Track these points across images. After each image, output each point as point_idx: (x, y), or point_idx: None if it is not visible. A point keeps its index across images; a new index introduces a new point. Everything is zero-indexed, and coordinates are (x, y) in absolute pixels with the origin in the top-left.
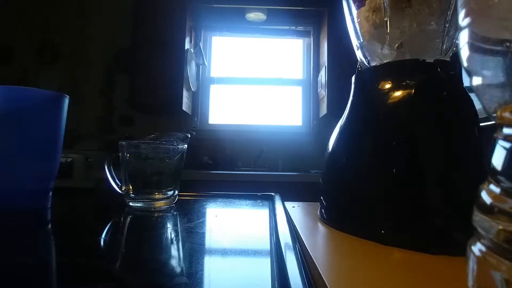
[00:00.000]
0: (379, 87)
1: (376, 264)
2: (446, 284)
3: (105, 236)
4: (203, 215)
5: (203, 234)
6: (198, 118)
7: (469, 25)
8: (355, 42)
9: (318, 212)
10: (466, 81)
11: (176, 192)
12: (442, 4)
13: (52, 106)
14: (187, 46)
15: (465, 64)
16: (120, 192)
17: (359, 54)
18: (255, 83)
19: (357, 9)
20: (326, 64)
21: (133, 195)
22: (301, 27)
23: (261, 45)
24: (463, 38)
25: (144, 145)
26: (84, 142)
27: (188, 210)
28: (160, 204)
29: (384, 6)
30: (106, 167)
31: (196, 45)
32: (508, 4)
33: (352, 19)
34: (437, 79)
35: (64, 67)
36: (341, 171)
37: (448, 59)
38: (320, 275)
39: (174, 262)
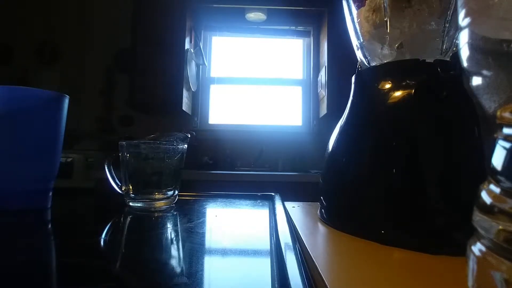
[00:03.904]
0: (379, 87)
1: (376, 264)
2: (446, 284)
3: (105, 236)
4: (203, 215)
5: (203, 234)
6: (198, 118)
7: (469, 25)
8: (355, 42)
9: (318, 212)
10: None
11: (176, 192)
12: (442, 4)
13: (52, 106)
14: (187, 46)
15: (465, 64)
16: (120, 192)
17: (359, 54)
18: (255, 83)
19: (357, 9)
20: (326, 64)
21: (133, 195)
22: (301, 27)
23: (261, 45)
24: (463, 38)
25: (144, 145)
26: (84, 142)
27: (188, 210)
28: (160, 204)
29: (384, 6)
30: (106, 167)
31: (196, 45)
32: (508, 4)
33: (352, 19)
34: (437, 79)
35: (64, 67)
36: (341, 171)
37: (448, 59)
38: (320, 275)
39: (174, 262)
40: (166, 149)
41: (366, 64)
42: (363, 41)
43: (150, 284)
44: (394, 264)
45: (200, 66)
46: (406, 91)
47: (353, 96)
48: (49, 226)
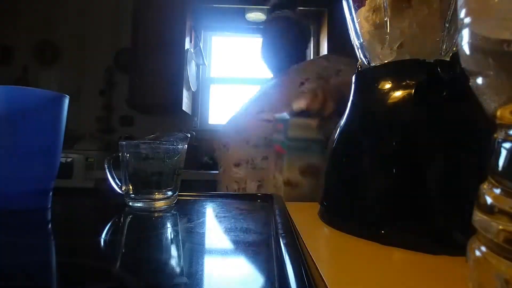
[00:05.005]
0: (379, 87)
1: (376, 264)
2: (446, 284)
3: (105, 236)
4: (203, 215)
5: (203, 234)
6: (198, 118)
7: (469, 25)
8: (355, 42)
9: (318, 212)
10: None
11: (176, 192)
12: (442, 4)
13: (52, 106)
14: (187, 46)
15: (465, 64)
16: (120, 192)
17: (359, 54)
18: (255, 83)
19: (357, 9)
20: None
21: (133, 195)
22: None
23: None
24: (463, 38)
25: (144, 145)
26: (84, 142)
27: (188, 210)
28: (160, 204)
29: (384, 6)
30: (106, 167)
31: (196, 45)
32: (508, 4)
33: (352, 19)
34: (437, 79)
35: (64, 67)
36: (341, 171)
37: (448, 59)
38: (320, 275)
39: (174, 262)
40: (166, 149)
41: (366, 64)
42: (363, 41)
43: (150, 284)
44: (394, 264)
45: (200, 66)
46: (406, 91)
47: (353, 96)
48: (49, 226)
